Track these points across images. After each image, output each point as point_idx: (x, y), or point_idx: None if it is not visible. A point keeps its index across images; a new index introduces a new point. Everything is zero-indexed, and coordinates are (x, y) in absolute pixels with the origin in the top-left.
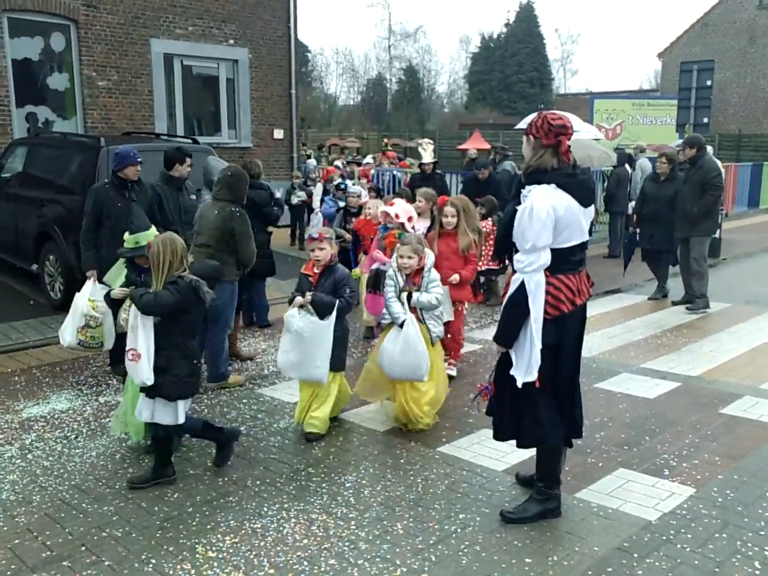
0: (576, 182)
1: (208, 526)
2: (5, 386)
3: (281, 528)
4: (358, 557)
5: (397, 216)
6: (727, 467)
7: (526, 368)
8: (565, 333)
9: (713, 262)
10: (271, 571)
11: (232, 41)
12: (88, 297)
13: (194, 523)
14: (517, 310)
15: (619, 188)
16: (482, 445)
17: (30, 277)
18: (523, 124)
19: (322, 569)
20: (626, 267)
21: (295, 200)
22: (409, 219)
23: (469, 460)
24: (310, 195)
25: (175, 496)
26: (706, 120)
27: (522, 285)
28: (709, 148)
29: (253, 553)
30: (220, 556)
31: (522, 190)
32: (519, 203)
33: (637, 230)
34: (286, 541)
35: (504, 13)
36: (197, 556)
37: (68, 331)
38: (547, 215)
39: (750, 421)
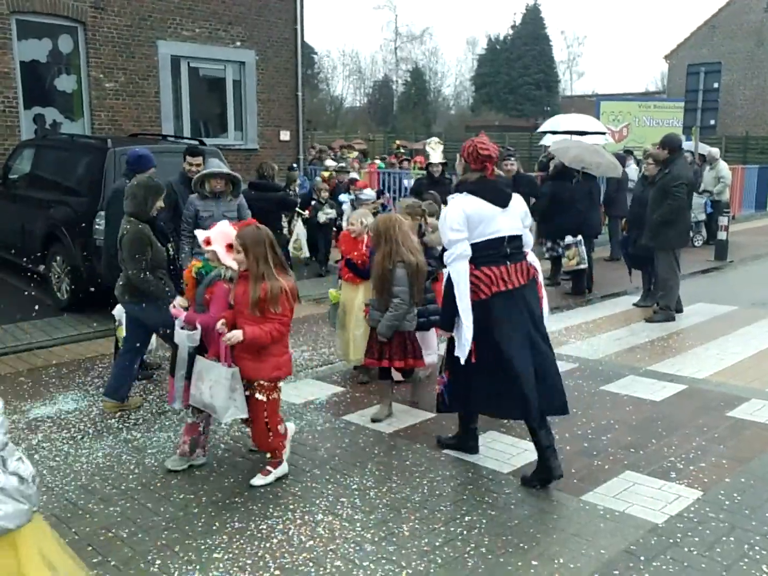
0: (484, 187)
1: (214, 527)
2: (12, 386)
3: (287, 529)
4: (364, 559)
5: (207, 241)
6: (734, 470)
7: (460, 345)
8: (495, 313)
9: (720, 264)
10: (277, 572)
11: (238, 43)
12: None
13: (200, 524)
14: (447, 297)
15: (619, 191)
16: (488, 447)
17: (37, 278)
18: (545, 126)
19: (328, 571)
20: (630, 271)
21: (323, 218)
22: (229, 248)
23: (474, 462)
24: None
25: (181, 497)
26: (713, 122)
27: (449, 276)
28: (716, 150)
29: (259, 554)
30: (226, 557)
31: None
32: None
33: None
34: (291, 543)
35: (510, 15)
36: (203, 556)
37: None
38: (456, 215)
39: (757, 424)
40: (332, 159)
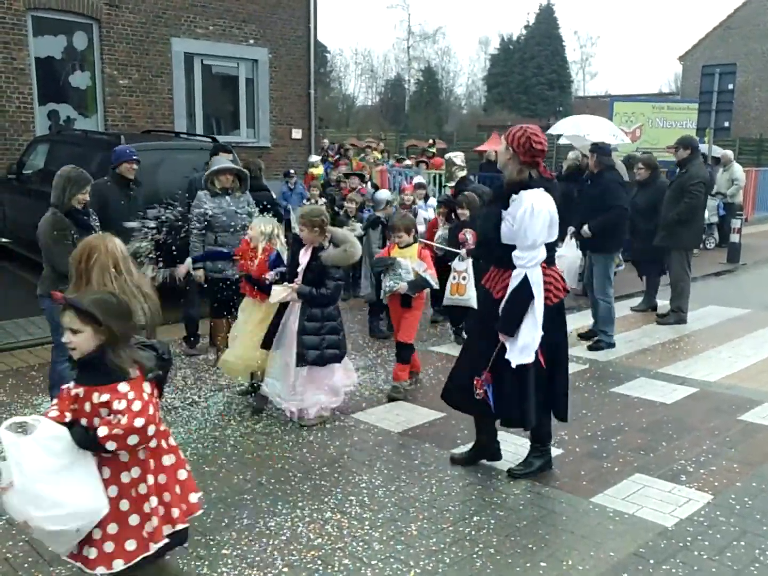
0: (552, 187)
1: (223, 523)
2: (24, 381)
3: (295, 527)
4: (372, 557)
5: None
6: (745, 474)
7: (521, 351)
8: (559, 316)
9: (733, 267)
10: (285, 569)
11: (252, 41)
12: None
13: (209, 520)
14: (522, 302)
15: (629, 193)
16: None
17: None
18: (554, 130)
19: (336, 569)
20: (639, 275)
21: None
22: None
23: (483, 463)
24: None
25: None
26: (727, 124)
27: (525, 279)
28: (730, 152)
29: (267, 551)
30: (234, 553)
31: (513, 195)
32: (503, 207)
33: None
34: (300, 540)
35: (524, 15)
36: (211, 552)
37: None
38: (547, 214)
39: None
40: (316, 155)
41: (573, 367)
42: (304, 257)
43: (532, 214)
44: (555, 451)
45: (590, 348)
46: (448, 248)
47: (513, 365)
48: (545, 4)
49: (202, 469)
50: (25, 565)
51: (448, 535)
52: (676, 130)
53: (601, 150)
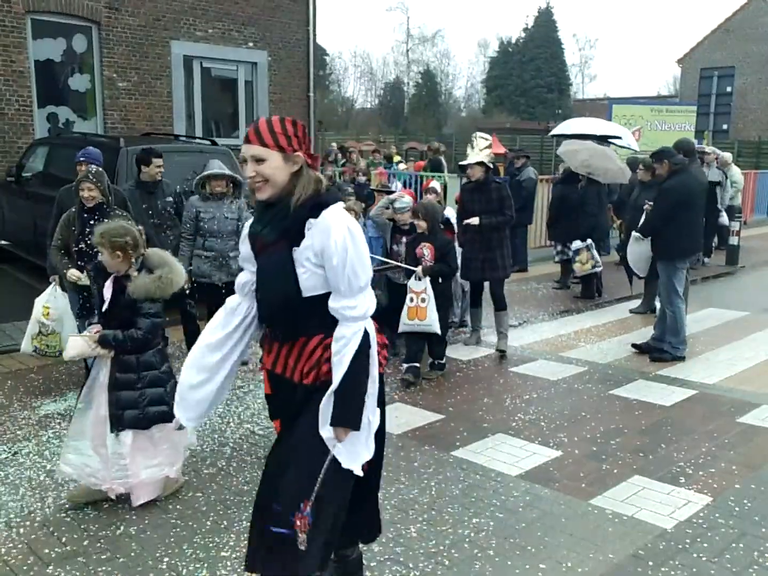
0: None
1: (222, 525)
2: (23, 383)
3: None
4: (371, 560)
5: None
6: (744, 477)
7: (367, 444)
8: (381, 392)
9: (731, 269)
10: None
11: (251, 44)
12: (43, 303)
13: (208, 522)
14: (366, 372)
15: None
16: (496, 449)
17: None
18: (558, 130)
19: None
20: (630, 280)
21: None
22: None
23: (483, 465)
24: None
25: (189, 494)
26: (725, 127)
27: (366, 337)
28: (728, 155)
29: None
30: (234, 555)
31: (311, 220)
32: (293, 246)
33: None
34: None
35: (523, 18)
36: (211, 554)
37: (25, 338)
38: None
39: None
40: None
41: (571, 370)
42: (108, 291)
43: (354, 240)
44: (553, 453)
45: (653, 359)
46: (405, 266)
47: (357, 471)
48: (544, 7)
49: (201, 471)
50: (24, 567)
51: (448, 537)
52: (675, 132)
53: (668, 154)
